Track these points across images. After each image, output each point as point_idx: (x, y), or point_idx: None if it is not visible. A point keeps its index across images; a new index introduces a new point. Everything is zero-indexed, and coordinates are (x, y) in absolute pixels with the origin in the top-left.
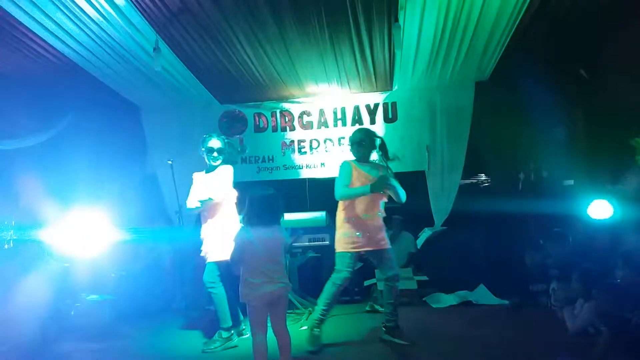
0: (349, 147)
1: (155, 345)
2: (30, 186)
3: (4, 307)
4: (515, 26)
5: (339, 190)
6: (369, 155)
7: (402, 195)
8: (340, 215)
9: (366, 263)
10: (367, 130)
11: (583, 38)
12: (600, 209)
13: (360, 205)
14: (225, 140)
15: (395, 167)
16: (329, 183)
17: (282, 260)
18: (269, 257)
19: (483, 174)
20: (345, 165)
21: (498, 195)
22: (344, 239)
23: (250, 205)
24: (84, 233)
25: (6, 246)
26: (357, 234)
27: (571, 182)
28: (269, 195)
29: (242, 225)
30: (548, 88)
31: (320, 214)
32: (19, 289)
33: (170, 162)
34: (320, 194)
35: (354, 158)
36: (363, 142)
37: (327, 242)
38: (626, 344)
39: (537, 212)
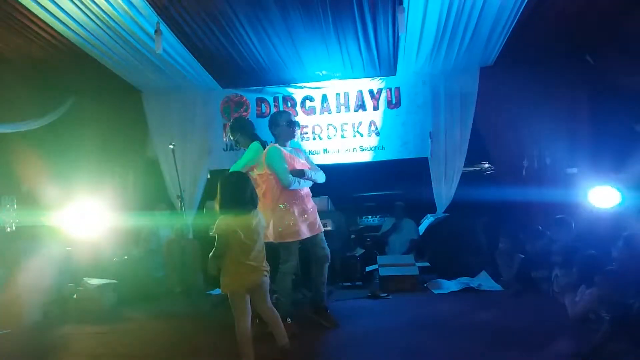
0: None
1: (156, 328)
2: (33, 170)
3: (7, 289)
4: (521, 11)
5: (287, 178)
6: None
7: (320, 178)
8: (277, 203)
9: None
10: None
11: (589, 23)
12: (603, 197)
13: (297, 192)
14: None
15: (398, 153)
16: (331, 169)
17: (263, 244)
18: (255, 245)
19: (486, 161)
20: (277, 150)
21: (501, 181)
22: (289, 228)
23: (229, 191)
24: (86, 217)
25: (8, 229)
26: (301, 222)
27: (575, 170)
28: (243, 177)
29: (221, 214)
30: (553, 74)
31: (323, 199)
32: (21, 272)
33: (172, 146)
34: None
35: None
36: (281, 123)
37: (330, 228)
38: (628, 330)
39: (541, 199)
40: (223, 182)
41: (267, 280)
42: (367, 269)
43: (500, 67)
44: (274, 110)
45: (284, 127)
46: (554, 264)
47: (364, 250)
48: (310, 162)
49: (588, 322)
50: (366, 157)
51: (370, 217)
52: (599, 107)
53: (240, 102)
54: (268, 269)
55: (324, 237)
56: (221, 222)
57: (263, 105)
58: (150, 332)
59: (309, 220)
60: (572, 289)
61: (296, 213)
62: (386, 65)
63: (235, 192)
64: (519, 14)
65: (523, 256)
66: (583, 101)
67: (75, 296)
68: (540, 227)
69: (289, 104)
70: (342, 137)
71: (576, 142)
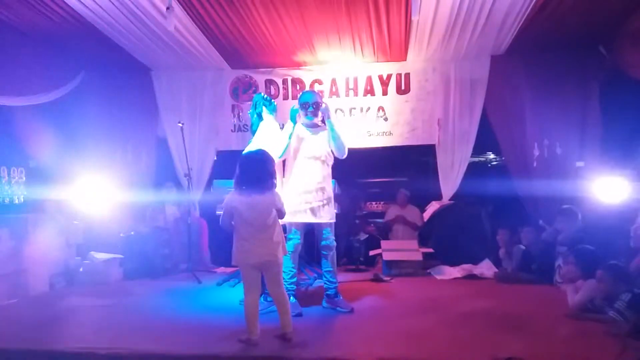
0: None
1: (160, 303)
2: (41, 144)
3: (15, 261)
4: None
5: None
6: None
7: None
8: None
9: (370, 234)
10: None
11: (603, 14)
12: (611, 189)
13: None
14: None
15: (406, 139)
16: None
17: (274, 226)
18: (255, 223)
19: (493, 151)
20: None
21: (507, 171)
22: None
23: (239, 168)
24: (93, 192)
25: (17, 201)
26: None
27: (582, 163)
28: (256, 159)
29: (232, 189)
30: (565, 64)
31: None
32: (29, 244)
33: (180, 124)
34: None
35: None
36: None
37: (337, 211)
38: None
39: (548, 190)
40: (240, 158)
41: (274, 262)
42: (371, 253)
43: (511, 55)
44: (282, 92)
45: None
46: (558, 254)
47: (367, 235)
48: None
49: (587, 311)
50: (373, 142)
51: (374, 203)
52: (609, 99)
53: (249, 83)
54: (277, 251)
55: (329, 229)
56: (226, 197)
57: (272, 87)
58: (155, 306)
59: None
60: (572, 279)
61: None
62: (397, 51)
63: (243, 170)
64: (532, 2)
65: (524, 247)
66: (594, 92)
67: (81, 269)
68: (541, 221)
69: (298, 87)
70: (350, 121)
71: (585, 134)
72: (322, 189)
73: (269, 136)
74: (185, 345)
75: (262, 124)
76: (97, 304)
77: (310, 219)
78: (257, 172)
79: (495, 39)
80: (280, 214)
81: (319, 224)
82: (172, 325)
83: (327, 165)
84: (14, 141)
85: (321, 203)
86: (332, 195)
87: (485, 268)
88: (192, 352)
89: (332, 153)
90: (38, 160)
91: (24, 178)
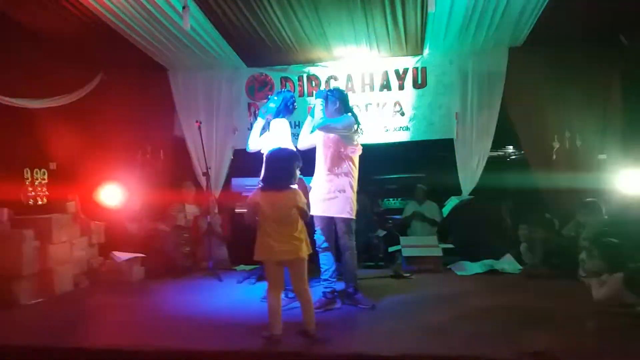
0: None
1: (182, 301)
2: (62, 145)
3: (40, 261)
4: None
5: None
6: None
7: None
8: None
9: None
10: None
11: (623, 2)
12: (635, 182)
13: None
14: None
15: (423, 134)
16: None
17: (296, 223)
18: (277, 220)
19: (513, 144)
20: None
21: (528, 165)
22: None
23: (265, 167)
24: (114, 192)
25: (40, 202)
26: None
27: (604, 156)
28: (280, 157)
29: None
30: (585, 55)
31: None
32: (53, 244)
33: (198, 123)
34: None
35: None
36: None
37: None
38: None
39: (570, 184)
40: (266, 157)
41: (298, 259)
42: (390, 249)
43: (530, 47)
44: (298, 89)
45: None
46: (582, 248)
47: (385, 232)
48: None
49: (612, 306)
50: (390, 137)
51: (392, 199)
52: (631, 89)
53: (264, 81)
54: (300, 248)
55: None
56: (251, 194)
57: (287, 84)
58: (177, 304)
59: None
60: (597, 274)
61: None
62: (413, 44)
63: (267, 169)
64: None
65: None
66: (615, 83)
67: (104, 269)
68: (548, 215)
69: (313, 84)
70: (366, 117)
71: (607, 125)
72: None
73: (284, 134)
74: (208, 342)
75: (275, 122)
76: (120, 303)
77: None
78: (279, 170)
79: (513, 31)
80: (303, 213)
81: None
82: (195, 322)
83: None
84: (36, 143)
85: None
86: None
87: (507, 263)
88: (215, 348)
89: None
90: (59, 162)
91: (47, 179)
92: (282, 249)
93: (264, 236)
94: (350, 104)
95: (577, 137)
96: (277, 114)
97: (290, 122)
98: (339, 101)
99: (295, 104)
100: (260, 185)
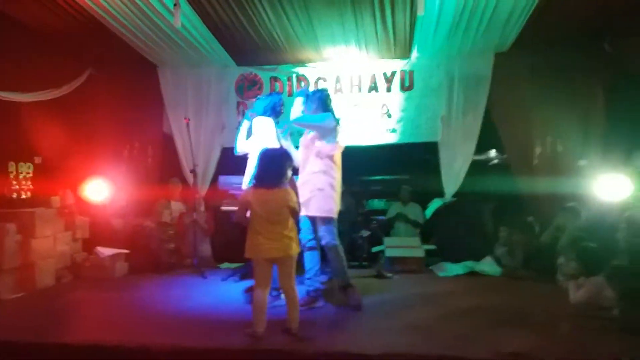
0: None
1: (166, 297)
2: (48, 140)
3: (22, 255)
4: None
5: None
6: None
7: None
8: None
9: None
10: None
11: (609, 11)
12: (613, 187)
13: None
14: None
15: (410, 137)
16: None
17: (286, 222)
18: (268, 218)
19: (496, 148)
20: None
21: (510, 169)
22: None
23: (256, 166)
24: (100, 187)
25: (24, 196)
26: None
27: (585, 162)
28: (273, 156)
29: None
30: (569, 62)
31: None
32: (35, 238)
33: (187, 120)
34: None
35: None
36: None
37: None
38: None
39: (550, 188)
40: (259, 155)
41: (287, 257)
42: (374, 249)
43: (515, 52)
44: (287, 89)
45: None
46: (560, 252)
47: (369, 232)
48: None
49: (588, 308)
50: (377, 139)
51: (376, 200)
52: (614, 97)
53: (254, 80)
54: (290, 247)
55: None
56: (243, 193)
57: (277, 84)
58: (161, 300)
59: None
60: (574, 277)
61: None
62: (401, 47)
63: (260, 167)
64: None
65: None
66: (598, 90)
67: (87, 264)
68: (530, 218)
69: (302, 84)
70: (354, 118)
71: (589, 132)
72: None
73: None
74: (192, 338)
75: (259, 119)
76: (102, 298)
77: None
78: (271, 169)
79: (500, 36)
80: (294, 212)
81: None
82: (179, 318)
83: None
84: (22, 136)
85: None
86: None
87: (487, 265)
88: (198, 345)
89: None
90: (45, 156)
91: (32, 173)
92: (272, 246)
93: (255, 234)
94: (339, 105)
95: (559, 142)
96: (264, 113)
97: (275, 121)
98: (318, 101)
99: (282, 107)
100: (253, 183)
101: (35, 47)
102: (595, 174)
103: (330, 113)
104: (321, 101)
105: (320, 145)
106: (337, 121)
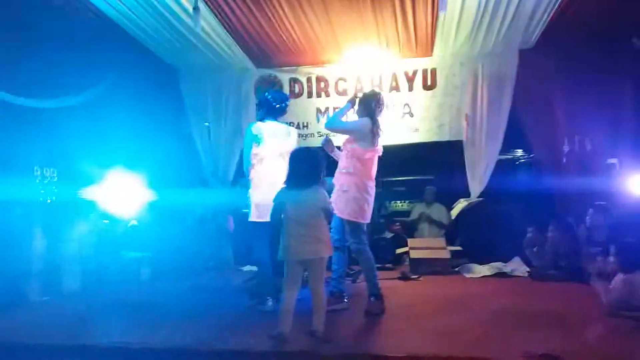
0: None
1: (190, 300)
2: (71, 145)
3: (48, 259)
4: None
5: None
6: None
7: None
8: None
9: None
10: None
11: (635, 4)
12: None
13: None
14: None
15: (433, 135)
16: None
17: (320, 223)
18: (300, 220)
19: (522, 148)
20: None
21: (537, 168)
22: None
23: (289, 166)
24: (123, 192)
25: (49, 200)
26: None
27: (614, 160)
28: (306, 156)
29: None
30: (597, 58)
31: None
32: (61, 242)
33: (207, 124)
34: None
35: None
36: None
37: None
38: None
39: (579, 187)
40: (290, 155)
41: (320, 260)
42: (398, 251)
43: (540, 49)
44: (307, 90)
45: None
46: (591, 252)
47: (393, 234)
48: None
49: (622, 309)
50: (400, 139)
51: (399, 201)
52: None
53: (273, 82)
54: (321, 249)
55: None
56: (277, 192)
57: (296, 85)
58: (185, 303)
59: None
60: (607, 277)
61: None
62: (423, 46)
63: (292, 168)
64: None
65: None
66: (627, 86)
67: (112, 268)
68: (570, 219)
69: (322, 85)
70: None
71: (618, 130)
72: None
73: None
74: (216, 341)
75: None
76: (127, 302)
77: None
78: (303, 169)
79: (524, 33)
80: (327, 213)
81: None
82: (203, 321)
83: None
84: (46, 142)
85: None
86: None
87: (516, 265)
88: (223, 347)
89: None
90: (70, 161)
91: (57, 177)
92: (304, 248)
93: (287, 236)
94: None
95: (587, 140)
96: (266, 112)
97: (295, 123)
98: (362, 104)
99: (284, 104)
100: (286, 184)
101: (58, 54)
102: (626, 171)
103: (367, 117)
104: (365, 104)
105: (354, 147)
106: (374, 125)
